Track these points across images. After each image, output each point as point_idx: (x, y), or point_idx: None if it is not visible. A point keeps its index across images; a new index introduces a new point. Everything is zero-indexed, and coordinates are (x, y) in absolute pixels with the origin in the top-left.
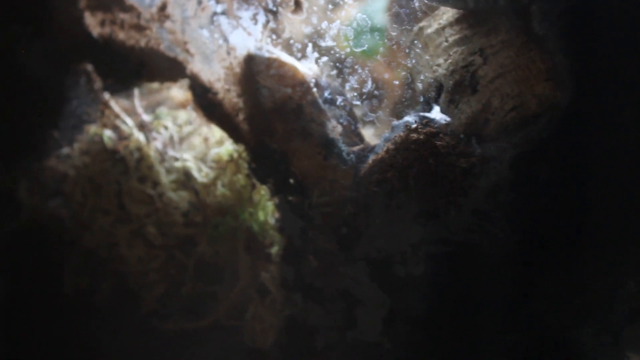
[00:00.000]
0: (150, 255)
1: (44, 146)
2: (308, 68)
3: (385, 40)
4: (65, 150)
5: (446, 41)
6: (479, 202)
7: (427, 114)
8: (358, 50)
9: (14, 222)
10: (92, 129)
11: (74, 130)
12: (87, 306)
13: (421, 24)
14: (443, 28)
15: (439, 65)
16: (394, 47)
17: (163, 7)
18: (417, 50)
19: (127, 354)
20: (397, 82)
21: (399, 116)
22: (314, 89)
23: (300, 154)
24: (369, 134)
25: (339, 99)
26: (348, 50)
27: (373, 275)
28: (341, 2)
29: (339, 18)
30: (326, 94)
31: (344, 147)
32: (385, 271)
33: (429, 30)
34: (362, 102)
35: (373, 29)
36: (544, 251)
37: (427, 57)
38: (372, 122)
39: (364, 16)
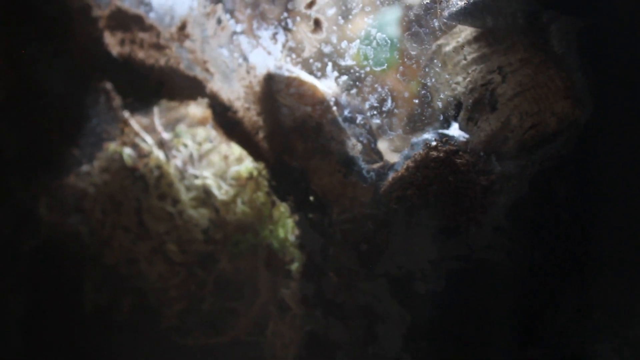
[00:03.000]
0: (170, 272)
1: (64, 164)
2: (327, 87)
3: (405, 60)
4: (85, 167)
5: (465, 59)
6: (499, 219)
7: (446, 131)
8: (377, 69)
9: (34, 239)
10: (112, 146)
11: (93, 147)
12: (107, 322)
13: (439, 42)
14: (462, 46)
15: (457, 83)
16: (414, 65)
17: (183, 27)
18: (436, 68)
19: None
20: (416, 101)
21: (418, 133)
22: (334, 108)
23: (320, 171)
24: (387, 150)
25: (359, 117)
26: (368, 69)
27: (393, 292)
28: (359, 21)
29: (358, 37)
30: (346, 112)
31: (363, 165)
32: (405, 287)
33: (447, 48)
34: (381, 120)
35: (393, 48)
36: (564, 267)
37: (446, 76)
38: (390, 139)
39: (384, 36)
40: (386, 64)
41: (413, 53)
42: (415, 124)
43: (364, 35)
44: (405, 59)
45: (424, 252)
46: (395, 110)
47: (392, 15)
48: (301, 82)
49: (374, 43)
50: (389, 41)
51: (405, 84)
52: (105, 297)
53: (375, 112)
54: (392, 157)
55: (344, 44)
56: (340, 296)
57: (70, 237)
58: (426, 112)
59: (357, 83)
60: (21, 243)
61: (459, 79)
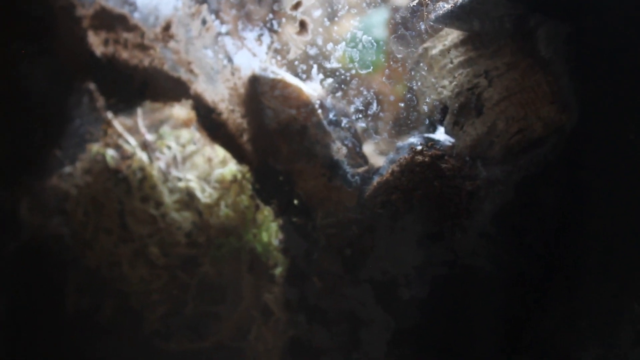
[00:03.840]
0: (152, 275)
1: (46, 165)
2: (313, 89)
3: (391, 62)
4: (68, 169)
5: (451, 63)
6: (484, 225)
7: (431, 135)
8: (363, 72)
9: (16, 241)
10: (95, 147)
11: (76, 149)
12: (90, 325)
13: (425, 45)
14: (448, 49)
15: (444, 87)
16: (400, 68)
17: (167, 27)
18: (422, 72)
19: None
20: (402, 104)
21: (404, 137)
22: (319, 110)
23: (305, 175)
24: (373, 153)
25: (344, 121)
26: (353, 71)
27: (378, 297)
28: (345, 23)
29: (344, 39)
30: (331, 115)
31: (348, 169)
32: (390, 293)
33: (434, 52)
34: (367, 123)
35: (379, 51)
36: (550, 274)
37: (432, 79)
38: (376, 142)
39: (370, 38)
40: (372, 67)
41: (399, 56)
42: (400, 127)
43: (349, 37)
44: (392, 62)
45: (408, 257)
46: (381, 114)
47: (378, 18)
48: (286, 85)
49: (360, 45)
50: (375, 44)
51: (392, 87)
52: (88, 299)
53: (360, 116)
54: (377, 161)
55: (329, 46)
56: (324, 301)
57: (51, 239)
58: (412, 116)
59: (343, 86)
60: (2, 245)
61: (445, 82)
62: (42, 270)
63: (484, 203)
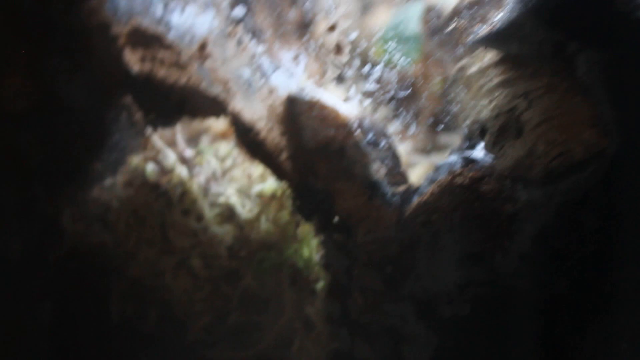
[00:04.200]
0: (195, 286)
1: (87, 177)
2: (351, 110)
3: (428, 102)
4: (109, 181)
5: (490, 81)
6: (525, 246)
7: (471, 154)
8: (402, 94)
9: (59, 249)
10: (135, 161)
11: (116, 162)
12: (134, 333)
13: (462, 63)
14: (486, 69)
15: (482, 107)
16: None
17: (203, 47)
18: (459, 91)
19: None
20: (441, 127)
21: (442, 153)
22: (357, 131)
23: (345, 194)
24: (411, 152)
25: (382, 142)
26: (392, 92)
27: (419, 314)
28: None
29: (382, 61)
30: (369, 136)
31: (387, 189)
32: (431, 310)
33: (472, 70)
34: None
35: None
36: (589, 296)
37: (470, 99)
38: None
39: (409, 59)
40: (410, 89)
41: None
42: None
43: (387, 58)
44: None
45: (449, 276)
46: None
47: (414, 43)
48: (323, 106)
49: (398, 67)
50: (413, 64)
51: (430, 110)
52: (132, 308)
53: (400, 137)
54: (414, 159)
55: (367, 67)
56: (366, 316)
57: (95, 248)
58: (449, 119)
59: (381, 106)
60: (46, 253)
61: (484, 102)
62: (86, 279)
63: (525, 225)
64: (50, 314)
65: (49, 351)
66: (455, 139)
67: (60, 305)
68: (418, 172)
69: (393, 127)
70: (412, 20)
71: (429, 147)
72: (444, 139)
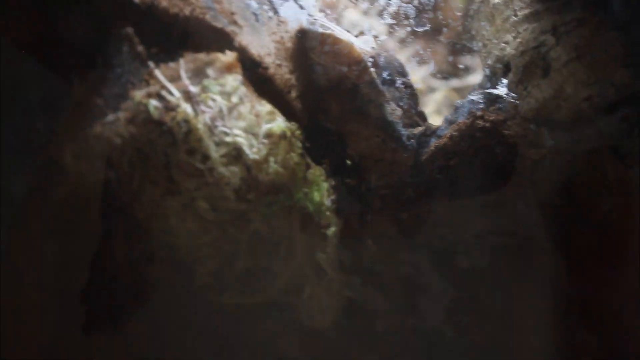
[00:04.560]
0: (202, 229)
1: (89, 113)
2: (366, 45)
3: (450, 21)
4: (111, 117)
5: (515, 15)
6: (548, 196)
7: (493, 91)
8: (419, 29)
9: (62, 187)
10: (137, 97)
11: (118, 98)
12: (140, 277)
13: None
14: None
15: (506, 42)
16: (459, 27)
17: None
18: (483, 22)
19: (181, 326)
20: (461, 66)
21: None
22: (372, 69)
23: (357, 135)
24: (428, 77)
25: (399, 81)
26: (409, 29)
27: (435, 264)
28: None
29: None
30: (385, 74)
31: (403, 131)
32: (447, 260)
33: (495, 1)
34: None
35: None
36: (617, 248)
37: (494, 32)
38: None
39: None
40: (428, 25)
41: (458, 14)
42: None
43: None
44: (450, 20)
45: (467, 225)
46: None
47: None
48: (336, 40)
49: (416, 1)
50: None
51: (451, 48)
52: (137, 250)
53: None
54: (433, 83)
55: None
56: (379, 265)
57: (98, 187)
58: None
59: (398, 43)
60: (50, 191)
61: (509, 37)
62: (90, 217)
63: (550, 173)
64: (54, 254)
65: (53, 291)
66: (475, 62)
67: (64, 245)
68: (437, 98)
69: (410, 50)
70: None
71: (449, 71)
72: (463, 61)
